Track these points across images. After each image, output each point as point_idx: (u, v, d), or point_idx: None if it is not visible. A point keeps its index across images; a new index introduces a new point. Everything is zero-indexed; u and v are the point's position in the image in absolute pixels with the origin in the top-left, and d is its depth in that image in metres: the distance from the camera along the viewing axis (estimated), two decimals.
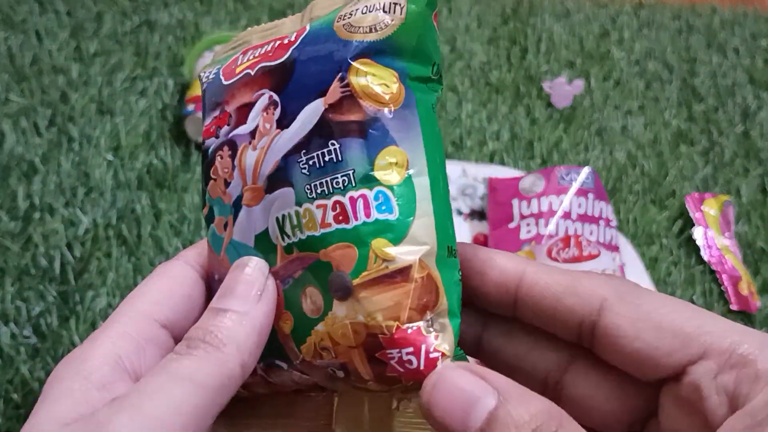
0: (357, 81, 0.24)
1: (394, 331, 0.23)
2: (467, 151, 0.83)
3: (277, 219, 0.24)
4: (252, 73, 0.26)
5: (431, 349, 0.23)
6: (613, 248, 0.69)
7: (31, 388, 0.57)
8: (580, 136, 0.87)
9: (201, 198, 0.28)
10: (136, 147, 0.78)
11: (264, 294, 0.24)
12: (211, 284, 0.27)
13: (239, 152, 0.25)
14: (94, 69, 0.87)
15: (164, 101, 0.84)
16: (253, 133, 0.25)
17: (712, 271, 0.72)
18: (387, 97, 0.24)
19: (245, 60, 0.27)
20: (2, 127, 0.78)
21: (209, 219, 0.27)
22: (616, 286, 0.23)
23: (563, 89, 0.89)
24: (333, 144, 0.24)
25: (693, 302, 0.68)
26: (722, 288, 0.71)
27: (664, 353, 0.21)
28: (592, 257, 0.64)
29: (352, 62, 0.24)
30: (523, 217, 0.70)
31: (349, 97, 0.24)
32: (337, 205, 0.23)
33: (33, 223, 0.69)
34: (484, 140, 0.85)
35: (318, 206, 0.24)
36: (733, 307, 0.69)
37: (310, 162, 0.24)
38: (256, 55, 0.26)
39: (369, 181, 0.24)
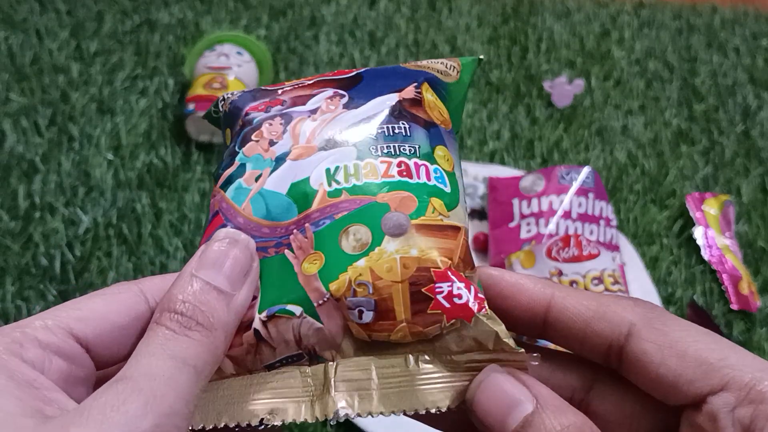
0: (426, 95, 0.28)
1: (448, 266, 0.24)
2: (468, 151, 0.83)
3: (328, 169, 0.26)
4: (309, 83, 0.29)
5: (479, 292, 0.25)
6: (614, 248, 0.69)
7: None
8: (580, 135, 0.87)
9: (222, 163, 0.28)
10: (136, 146, 0.78)
11: (249, 276, 0.24)
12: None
13: (294, 122, 0.28)
14: (95, 68, 0.87)
15: (165, 100, 0.84)
16: (313, 111, 0.28)
17: (713, 271, 0.72)
18: (442, 117, 0.29)
19: (287, 84, 0.30)
20: (3, 127, 0.78)
21: (237, 175, 0.27)
22: (644, 311, 0.24)
23: (564, 89, 0.89)
24: (404, 124, 0.27)
25: (694, 301, 0.68)
26: (723, 287, 0.71)
27: (686, 381, 0.22)
28: (592, 257, 0.64)
29: (425, 81, 0.29)
30: (523, 216, 0.70)
31: (419, 102, 0.28)
32: (402, 164, 0.26)
33: (33, 222, 0.69)
34: (485, 139, 0.85)
35: (382, 162, 0.26)
36: (734, 306, 0.69)
37: (379, 130, 0.27)
38: (300, 80, 0.30)
39: (429, 158, 0.27)
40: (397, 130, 0.27)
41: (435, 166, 0.27)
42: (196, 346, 0.22)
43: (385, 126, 0.27)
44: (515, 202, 0.72)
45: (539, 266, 0.65)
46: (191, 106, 0.78)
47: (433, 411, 0.25)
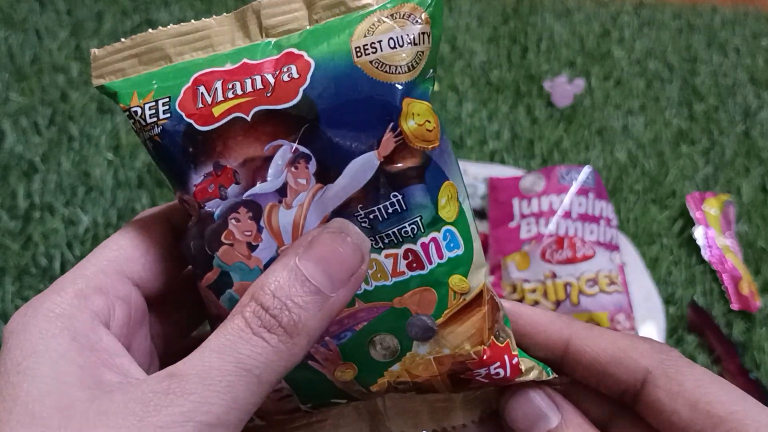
0: (408, 126, 0.23)
1: (481, 354, 0.24)
2: (467, 151, 0.83)
3: None
4: (248, 119, 0.23)
5: (513, 357, 0.25)
6: (614, 248, 0.69)
7: None
8: (580, 135, 0.86)
9: (191, 247, 0.24)
10: (136, 146, 0.78)
11: (354, 279, 0.22)
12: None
13: (266, 212, 0.23)
14: None
15: None
16: (282, 191, 0.23)
17: (713, 271, 0.72)
18: (433, 135, 0.23)
19: (219, 96, 0.23)
20: (2, 126, 0.78)
21: (224, 284, 0.24)
22: (660, 357, 0.25)
23: (564, 88, 0.89)
24: (395, 196, 0.23)
25: (694, 301, 0.68)
26: (723, 288, 0.70)
27: (695, 430, 0.23)
28: (586, 258, 0.64)
29: (404, 99, 0.23)
30: (523, 216, 0.70)
31: (402, 145, 0.23)
32: (410, 253, 0.23)
33: (33, 222, 0.69)
34: (485, 139, 0.85)
35: (387, 256, 0.23)
36: (734, 306, 0.69)
37: (371, 216, 0.23)
38: (238, 92, 0.23)
39: (436, 223, 0.23)
40: (391, 210, 0.23)
41: (444, 228, 0.24)
42: (269, 353, 0.20)
43: (377, 209, 0.23)
44: (515, 202, 0.72)
45: (534, 268, 0.65)
46: None
47: (470, 423, 0.26)
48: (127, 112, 0.24)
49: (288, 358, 0.21)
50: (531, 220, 0.70)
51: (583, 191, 0.70)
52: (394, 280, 0.23)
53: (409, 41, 0.23)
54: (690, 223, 0.76)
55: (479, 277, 0.25)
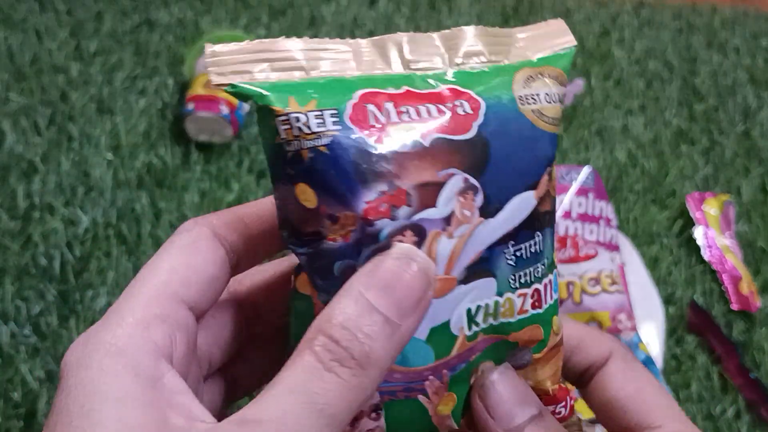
0: (553, 173, 0.25)
1: (557, 392, 0.26)
2: None
3: (469, 310, 0.23)
4: (426, 144, 0.23)
5: (572, 398, 0.27)
6: (613, 248, 0.69)
7: (31, 388, 0.57)
8: (580, 135, 0.86)
9: (317, 266, 0.23)
10: (136, 146, 0.78)
11: (421, 306, 0.21)
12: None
13: (429, 239, 0.22)
14: (94, 68, 0.87)
15: (164, 100, 0.84)
16: (447, 220, 0.23)
17: (713, 271, 0.72)
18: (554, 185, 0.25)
19: (394, 118, 0.23)
20: (2, 127, 0.78)
21: None
22: (618, 346, 0.28)
23: None
24: (538, 236, 0.24)
25: (694, 302, 0.68)
26: (723, 287, 0.70)
27: (633, 408, 0.26)
28: (589, 257, 0.64)
29: (554, 155, 0.25)
30: None
31: (548, 191, 0.25)
32: (535, 293, 0.25)
33: (33, 222, 0.69)
34: None
35: (519, 295, 0.24)
36: (734, 306, 0.69)
37: (518, 254, 0.24)
38: (413, 116, 0.23)
39: (551, 266, 0.25)
40: (532, 249, 0.24)
41: (555, 271, 0.25)
42: (341, 388, 0.19)
43: (523, 246, 0.24)
44: None
45: None
46: (191, 106, 0.77)
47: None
48: (285, 116, 0.22)
49: (361, 392, 0.20)
50: None
51: (582, 191, 0.70)
52: (519, 317, 0.24)
53: (557, 99, 0.25)
54: (690, 223, 0.76)
55: (559, 319, 0.26)
